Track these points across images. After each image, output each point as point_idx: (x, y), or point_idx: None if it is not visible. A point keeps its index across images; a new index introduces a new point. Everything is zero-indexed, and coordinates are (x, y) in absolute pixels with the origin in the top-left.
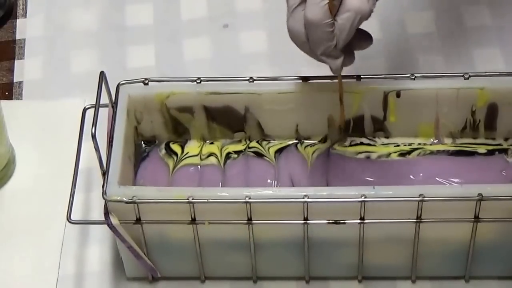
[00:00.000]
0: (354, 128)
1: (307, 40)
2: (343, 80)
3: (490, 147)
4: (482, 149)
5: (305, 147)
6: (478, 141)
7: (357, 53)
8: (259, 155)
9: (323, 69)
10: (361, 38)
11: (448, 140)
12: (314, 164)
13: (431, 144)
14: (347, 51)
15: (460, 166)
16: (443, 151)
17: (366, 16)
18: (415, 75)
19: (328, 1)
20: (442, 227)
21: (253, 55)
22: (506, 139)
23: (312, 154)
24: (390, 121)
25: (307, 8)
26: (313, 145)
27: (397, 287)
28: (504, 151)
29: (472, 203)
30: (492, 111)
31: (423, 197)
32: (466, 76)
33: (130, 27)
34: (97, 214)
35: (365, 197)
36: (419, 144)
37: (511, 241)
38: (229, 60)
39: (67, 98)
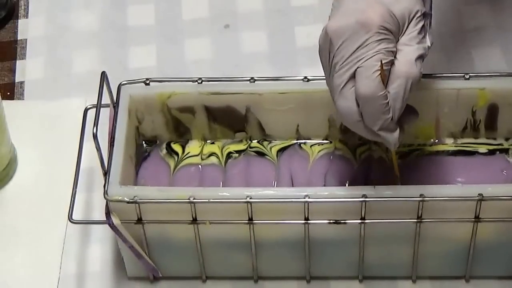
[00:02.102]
0: None
1: (361, 118)
2: None
3: (491, 147)
4: (483, 149)
5: (310, 146)
6: (479, 141)
7: None
8: (260, 154)
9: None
10: (408, 111)
11: (449, 140)
12: (316, 163)
13: (431, 145)
14: (399, 124)
15: (460, 166)
16: (443, 151)
17: (416, 79)
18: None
19: (379, 72)
20: (443, 227)
21: (254, 55)
22: (506, 139)
23: (318, 152)
24: None
25: (359, 83)
26: (320, 144)
27: (397, 287)
28: (505, 151)
29: (473, 203)
30: (493, 111)
31: (423, 197)
32: (467, 76)
33: (131, 27)
34: (99, 214)
35: (365, 197)
36: (419, 145)
37: (511, 241)
38: (230, 60)
39: (68, 98)
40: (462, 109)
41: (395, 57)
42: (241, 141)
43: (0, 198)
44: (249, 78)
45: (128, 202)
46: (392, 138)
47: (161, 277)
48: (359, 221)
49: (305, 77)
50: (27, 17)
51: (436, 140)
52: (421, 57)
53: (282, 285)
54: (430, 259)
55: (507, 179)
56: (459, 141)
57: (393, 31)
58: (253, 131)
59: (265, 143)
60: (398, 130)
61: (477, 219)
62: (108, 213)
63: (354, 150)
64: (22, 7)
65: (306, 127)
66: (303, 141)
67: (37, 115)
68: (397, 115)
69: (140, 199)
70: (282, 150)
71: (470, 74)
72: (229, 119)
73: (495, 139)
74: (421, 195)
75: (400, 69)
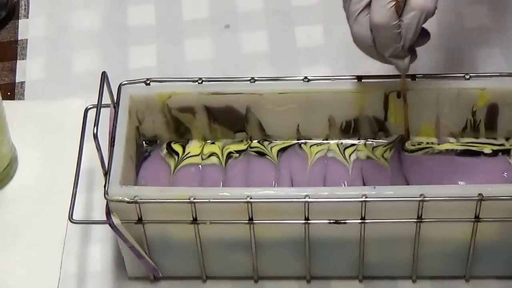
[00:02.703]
0: (355, 128)
1: (373, 44)
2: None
3: (494, 148)
4: (487, 149)
5: (310, 146)
6: (480, 140)
7: (357, 54)
8: (261, 154)
9: (324, 70)
10: (421, 34)
11: (452, 140)
12: (316, 163)
13: (439, 144)
14: (410, 49)
15: (461, 167)
16: (446, 151)
17: (431, 13)
18: (416, 75)
19: (394, 3)
20: (443, 227)
21: (254, 56)
22: (507, 139)
23: (318, 153)
24: (391, 122)
25: (374, 11)
26: (320, 145)
27: (397, 287)
28: (507, 151)
29: (473, 203)
30: (493, 111)
31: (423, 197)
32: (467, 76)
33: (132, 27)
34: (99, 214)
35: (366, 197)
36: (428, 143)
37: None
38: (231, 61)
39: (69, 98)
40: (462, 109)
41: None
42: (241, 141)
43: (1, 198)
44: (249, 78)
45: (128, 202)
46: (403, 64)
47: (162, 277)
48: (359, 221)
49: (306, 77)
50: (27, 17)
51: (436, 140)
52: None
53: (282, 285)
54: (430, 259)
55: (508, 181)
56: (461, 140)
57: None
58: (253, 131)
59: (266, 143)
60: (408, 57)
61: (477, 219)
62: (108, 213)
63: (344, 150)
64: (23, 7)
65: (307, 127)
66: (303, 141)
67: (38, 115)
68: (408, 43)
69: (140, 199)
70: (282, 150)
71: (470, 74)
72: (229, 119)
73: (495, 139)
74: (421, 195)
75: (416, 1)
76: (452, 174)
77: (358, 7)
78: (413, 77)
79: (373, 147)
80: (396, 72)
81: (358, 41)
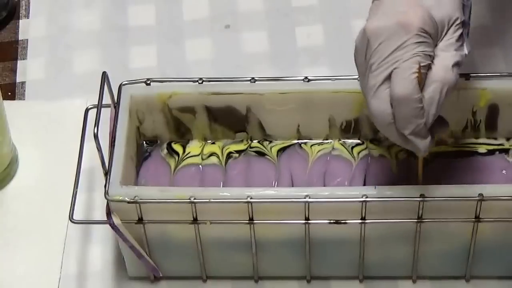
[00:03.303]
0: (355, 128)
1: (393, 121)
2: None
3: (491, 147)
4: (482, 149)
5: (311, 146)
6: (479, 141)
7: None
8: (261, 154)
9: (324, 70)
10: (439, 122)
11: (449, 140)
12: (316, 163)
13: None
14: (430, 131)
15: (460, 166)
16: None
17: (452, 86)
18: None
19: (417, 74)
20: (443, 227)
21: (254, 56)
22: (508, 139)
23: (318, 152)
24: None
25: (395, 83)
26: (320, 144)
27: (398, 287)
28: (505, 151)
29: (473, 203)
30: (493, 111)
31: (424, 197)
32: (467, 76)
33: (132, 27)
34: (99, 214)
35: (366, 197)
36: None
37: None
38: (231, 61)
39: (69, 99)
40: (462, 109)
41: (432, 61)
42: (241, 141)
43: (1, 198)
44: (249, 78)
45: (128, 202)
46: (423, 144)
47: (162, 277)
48: (360, 221)
49: (306, 77)
50: (28, 18)
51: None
52: (457, 64)
53: (282, 285)
54: (431, 259)
55: (507, 179)
56: (460, 141)
57: (432, 35)
58: (253, 131)
59: (266, 143)
60: (429, 138)
61: (477, 219)
62: (109, 213)
63: (352, 149)
64: (23, 8)
65: (307, 127)
66: (303, 141)
67: (38, 115)
68: (430, 120)
69: (140, 199)
70: (282, 150)
71: (470, 75)
72: (229, 119)
73: (495, 139)
74: (421, 195)
75: (436, 73)
76: (452, 174)
77: (378, 80)
78: None
79: (388, 146)
80: None
81: (377, 117)
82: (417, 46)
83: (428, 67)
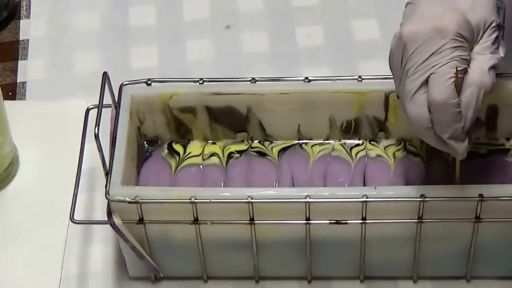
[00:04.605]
0: (356, 129)
1: (431, 125)
2: None
3: (492, 147)
4: (483, 150)
5: (311, 146)
6: (480, 141)
7: (357, 54)
8: (262, 154)
9: (324, 70)
10: (475, 122)
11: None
12: (316, 163)
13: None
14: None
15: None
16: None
17: (489, 89)
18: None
19: (454, 79)
20: (444, 227)
21: (255, 56)
22: (508, 139)
23: (319, 153)
24: (391, 122)
25: (433, 89)
26: (321, 145)
27: (398, 287)
28: (506, 151)
29: (473, 203)
30: (493, 112)
31: (424, 198)
32: None
33: (133, 28)
34: (100, 214)
35: (366, 197)
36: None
37: None
38: (231, 61)
39: (70, 99)
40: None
41: (468, 65)
42: (242, 141)
43: (2, 198)
44: (250, 79)
45: (129, 202)
46: (461, 147)
47: (163, 277)
48: (360, 221)
49: (306, 78)
50: (29, 18)
51: None
52: (494, 67)
53: (283, 285)
54: (431, 259)
55: (507, 179)
56: None
57: (468, 39)
58: (254, 132)
59: (266, 143)
60: (467, 140)
61: (477, 219)
62: (109, 213)
63: (350, 150)
64: (24, 8)
65: (307, 128)
66: (304, 141)
67: (39, 116)
68: (468, 124)
69: (141, 199)
70: (283, 150)
71: None
72: (230, 120)
73: (496, 139)
74: (421, 196)
75: (473, 77)
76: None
77: (415, 85)
78: None
79: (385, 146)
80: None
81: (415, 122)
82: (453, 50)
83: (465, 71)
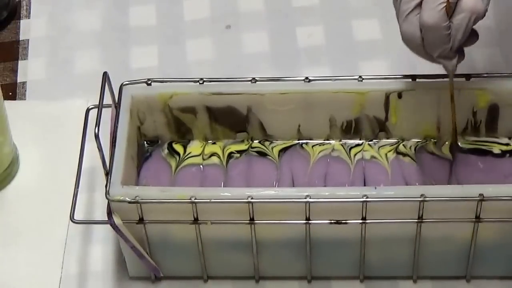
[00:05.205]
0: (356, 129)
1: (422, 43)
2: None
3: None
4: (496, 150)
5: (312, 146)
6: (480, 139)
7: (358, 54)
8: (262, 154)
9: (325, 70)
10: (469, 34)
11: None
12: (317, 163)
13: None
14: (458, 50)
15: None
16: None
17: (481, 15)
18: (417, 76)
19: (445, 4)
20: (444, 227)
21: (255, 56)
22: (509, 138)
23: (319, 153)
24: (391, 122)
25: (424, 12)
26: (321, 145)
27: (398, 287)
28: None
29: (473, 203)
30: (493, 111)
31: (424, 197)
32: (467, 77)
33: (133, 27)
34: (100, 214)
35: (366, 197)
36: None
37: None
38: (232, 61)
39: (70, 99)
40: (462, 109)
41: None
42: (242, 141)
43: (2, 198)
44: (250, 79)
45: (129, 202)
46: (450, 64)
47: (163, 277)
48: (360, 221)
49: (306, 78)
50: (29, 18)
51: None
52: None
53: (283, 285)
54: (431, 259)
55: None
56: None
57: None
58: (254, 131)
59: (267, 143)
60: (456, 58)
61: (477, 219)
62: (109, 213)
63: (350, 150)
64: (24, 8)
65: (307, 128)
66: (304, 141)
67: (39, 116)
68: (456, 45)
69: (141, 199)
70: (283, 150)
71: (471, 75)
72: (230, 120)
73: (496, 138)
74: (422, 195)
75: (467, 3)
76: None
77: (409, 7)
78: (414, 77)
79: (379, 147)
80: (398, 73)
81: (407, 39)
82: None
83: None
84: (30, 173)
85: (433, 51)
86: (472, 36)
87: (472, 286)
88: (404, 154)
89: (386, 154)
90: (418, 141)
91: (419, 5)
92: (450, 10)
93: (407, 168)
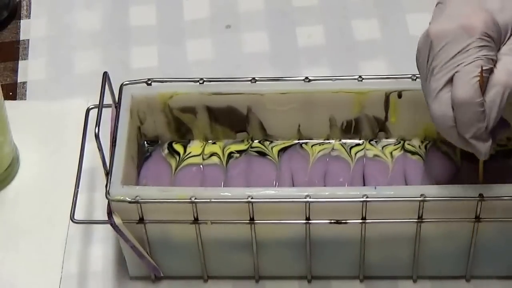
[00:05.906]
0: (356, 128)
1: (455, 123)
2: None
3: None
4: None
5: (312, 146)
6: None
7: (358, 54)
8: (261, 154)
9: (325, 70)
10: (500, 123)
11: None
12: (317, 163)
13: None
14: (491, 133)
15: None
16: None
17: None
18: (417, 75)
19: (478, 78)
20: (443, 227)
21: (255, 56)
22: (508, 139)
23: (319, 152)
24: (391, 122)
25: (457, 87)
26: (321, 144)
27: (398, 287)
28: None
29: (473, 203)
30: None
31: (424, 197)
32: None
33: (133, 27)
34: (100, 213)
35: (366, 197)
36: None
37: None
38: (232, 61)
39: (70, 99)
40: None
41: (494, 65)
42: (242, 141)
43: (3, 198)
44: (250, 79)
45: (130, 202)
46: (484, 147)
47: (163, 277)
48: (360, 221)
49: (306, 78)
50: (29, 18)
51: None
52: None
53: (283, 285)
54: (431, 259)
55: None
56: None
57: (495, 39)
58: (254, 131)
59: (266, 143)
60: (490, 141)
61: (477, 219)
62: (110, 213)
63: (350, 150)
64: (24, 8)
65: (307, 127)
66: (304, 141)
67: (39, 115)
68: (491, 124)
69: (141, 199)
70: (283, 150)
71: None
72: (230, 119)
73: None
74: (421, 195)
75: (498, 77)
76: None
77: (440, 83)
78: (414, 78)
79: (383, 146)
80: (398, 73)
81: (438, 120)
82: (479, 50)
83: (490, 71)
84: (30, 173)
85: (467, 131)
86: (503, 125)
87: (471, 286)
88: (413, 153)
89: (391, 153)
90: (427, 142)
91: (450, 82)
92: (483, 85)
93: (412, 167)
